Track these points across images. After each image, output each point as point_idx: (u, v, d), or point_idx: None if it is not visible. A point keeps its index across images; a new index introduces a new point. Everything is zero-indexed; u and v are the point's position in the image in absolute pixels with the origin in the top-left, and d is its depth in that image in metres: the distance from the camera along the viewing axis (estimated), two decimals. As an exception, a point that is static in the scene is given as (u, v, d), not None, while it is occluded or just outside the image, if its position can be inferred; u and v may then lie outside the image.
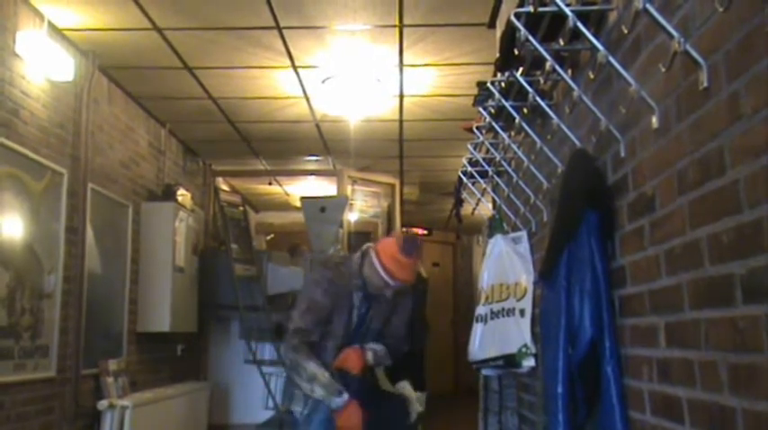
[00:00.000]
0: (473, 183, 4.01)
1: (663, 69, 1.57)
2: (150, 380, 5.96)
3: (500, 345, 3.20)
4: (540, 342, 2.87)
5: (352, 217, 8.61)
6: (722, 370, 1.36)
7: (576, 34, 1.93)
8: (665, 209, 1.64)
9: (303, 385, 2.98)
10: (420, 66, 5.15)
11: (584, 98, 2.03)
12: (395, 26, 4.53)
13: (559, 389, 1.94)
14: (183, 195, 6.38)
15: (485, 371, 3.54)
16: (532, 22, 2.01)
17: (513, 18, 2.00)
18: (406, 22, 4.46)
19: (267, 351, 6.88)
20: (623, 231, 1.92)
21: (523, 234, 3.30)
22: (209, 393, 6.99)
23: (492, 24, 4.23)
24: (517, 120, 2.72)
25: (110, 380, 5.06)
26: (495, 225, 3.63)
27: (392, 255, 2.98)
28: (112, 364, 5.15)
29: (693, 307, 1.49)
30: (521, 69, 2.45)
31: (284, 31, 4.59)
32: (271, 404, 6.51)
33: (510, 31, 2.23)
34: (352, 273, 3.09)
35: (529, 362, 3.07)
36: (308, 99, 5.85)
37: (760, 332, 1.21)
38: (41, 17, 4.30)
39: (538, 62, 2.29)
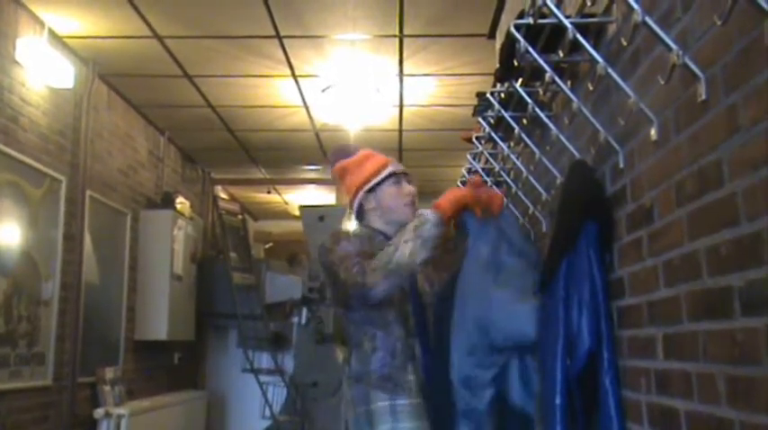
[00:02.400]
0: (472, 194, 3.99)
1: (662, 81, 1.57)
2: (147, 389, 5.94)
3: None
4: (538, 353, 2.86)
5: (351, 226, 8.60)
6: (720, 382, 1.35)
7: (576, 46, 1.94)
8: (663, 220, 1.64)
9: (405, 260, 2.16)
10: (420, 76, 5.17)
11: (584, 109, 2.03)
12: (395, 36, 4.54)
13: (557, 401, 1.93)
14: (181, 203, 6.38)
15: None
16: (532, 33, 2.01)
17: (512, 29, 2.01)
18: (406, 32, 4.47)
19: (265, 360, 6.87)
20: (622, 242, 1.92)
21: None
22: (207, 402, 6.98)
23: (492, 35, 4.25)
24: (516, 131, 2.72)
25: (106, 388, 5.05)
26: (494, 235, 3.62)
27: (362, 178, 2.49)
28: (109, 372, 5.14)
29: (692, 319, 1.49)
30: (520, 80, 2.46)
31: (284, 40, 4.61)
32: (268, 413, 6.49)
33: (509, 42, 2.24)
34: (371, 234, 2.47)
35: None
36: (307, 108, 5.86)
37: (758, 344, 1.21)
38: (42, 24, 4.31)
39: (537, 73, 2.29)
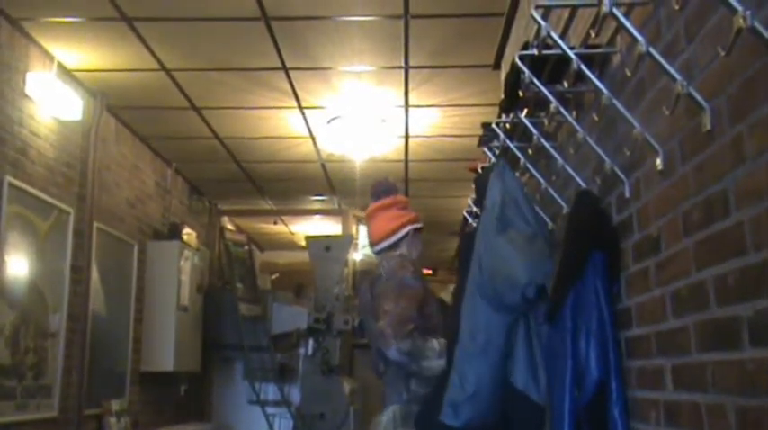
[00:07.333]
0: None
1: (666, 112, 1.58)
2: (153, 421, 5.90)
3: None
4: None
5: (357, 256, 8.61)
6: (730, 413, 1.34)
7: (580, 76, 1.95)
8: (670, 250, 1.64)
9: (434, 367, 2.57)
10: (425, 107, 5.20)
11: (589, 139, 2.04)
12: (400, 68, 4.58)
13: (566, 432, 1.92)
14: (188, 234, 6.39)
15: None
16: (537, 64, 2.03)
17: (517, 60, 2.02)
18: (411, 63, 4.51)
19: (271, 391, 6.83)
20: (629, 272, 1.92)
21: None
22: (213, 434, 6.93)
23: (497, 66, 4.27)
24: (522, 161, 2.73)
25: (112, 420, 5.02)
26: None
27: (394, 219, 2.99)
28: (115, 405, 5.11)
29: (700, 349, 1.48)
30: (525, 111, 2.47)
31: (291, 73, 4.65)
32: (274, 445, 6.44)
33: (514, 72, 2.25)
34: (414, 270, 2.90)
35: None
36: (313, 139, 5.90)
37: (768, 375, 1.20)
38: (51, 58, 4.36)
39: (542, 104, 2.31)
